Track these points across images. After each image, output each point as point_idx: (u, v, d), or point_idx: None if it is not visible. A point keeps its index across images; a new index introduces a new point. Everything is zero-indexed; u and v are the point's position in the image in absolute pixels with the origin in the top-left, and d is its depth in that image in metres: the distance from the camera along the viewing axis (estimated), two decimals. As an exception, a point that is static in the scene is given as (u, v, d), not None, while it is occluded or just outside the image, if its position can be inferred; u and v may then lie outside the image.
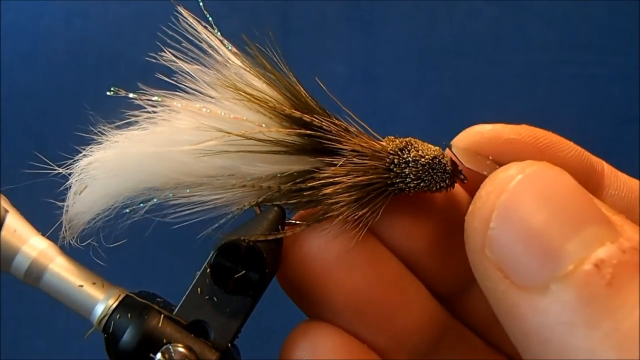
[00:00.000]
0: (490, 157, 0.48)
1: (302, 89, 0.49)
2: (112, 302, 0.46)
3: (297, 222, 0.49)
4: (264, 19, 1.29)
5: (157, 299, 0.48)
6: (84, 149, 0.49)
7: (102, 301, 0.47)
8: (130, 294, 0.47)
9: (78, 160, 0.49)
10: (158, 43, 0.47)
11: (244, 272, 0.45)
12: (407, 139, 0.50)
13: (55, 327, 1.22)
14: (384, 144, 0.50)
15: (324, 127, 0.48)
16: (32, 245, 0.47)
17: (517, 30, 1.36)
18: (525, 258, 0.37)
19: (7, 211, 0.47)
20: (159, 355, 0.44)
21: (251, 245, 0.45)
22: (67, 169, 0.49)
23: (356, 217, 0.47)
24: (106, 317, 0.46)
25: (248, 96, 0.47)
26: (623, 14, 1.34)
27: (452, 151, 0.49)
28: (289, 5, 1.37)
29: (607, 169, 0.51)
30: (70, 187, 0.49)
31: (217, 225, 0.47)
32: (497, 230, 0.38)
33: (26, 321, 1.26)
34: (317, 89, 0.50)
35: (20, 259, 0.47)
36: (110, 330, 0.46)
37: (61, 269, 0.47)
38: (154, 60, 0.47)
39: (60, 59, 1.35)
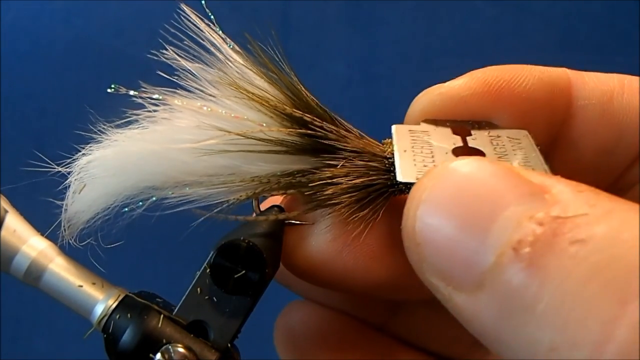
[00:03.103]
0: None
1: (303, 88, 0.48)
2: (112, 302, 0.46)
3: (297, 222, 0.49)
4: (264, 19, 1.29)
5: (157, 299, 0.48)
6: (84, 148, 0.49)
7: (101, 301, 0.47)
8: (130, 294, 0.47)
9: (77, 159, 0.49)
10: (160, 40, 0.47)
11: (243, 272, 0.45)
12: None
13: (55, 327, 1.22)
14: (384, 145, 0.50)
15: (324, 127, 0.48)
16: (32, 245, 0.47)
17: (517, 30, 1.36)
18: (454, 260, 0.36)
19: (6, 211, 0.47)
20: (158, 355, 0.44)
21: (251, 245, 0.45)
22: (66, 168, 0.49)
23: (357, 218, 0.47)
24: (106, 317, 0.46)
25: (249, 94, 0.47)
26: (623, 13, 1.34)
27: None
28: (289, 5, 1.37)
29: (573, 78, 0.49)
30: (69, 186, 0.49)
31: (213, 212, 0.47)
32: (423, 245, 0.38)
33: (26, 321, 1.26)
34: (318, 89, 0.50)
35: (20, 259, 0.47)
36: (110, 331, 0.46)
37: (61, 269, 0.47)
38: (155, 58, 0.47)
39: (60, 59, 1.35)
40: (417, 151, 0.46)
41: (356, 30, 1.36)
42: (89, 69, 1.34)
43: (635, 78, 0.49)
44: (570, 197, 0.34)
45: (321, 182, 0.47)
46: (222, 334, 0.46)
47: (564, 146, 0.50)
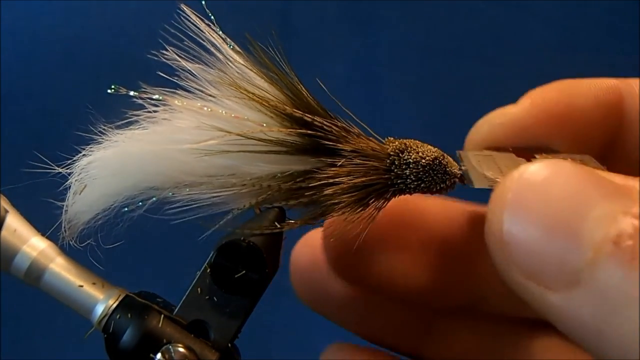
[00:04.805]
0: (511, 148, 0.49)
1: (303, 88, 0.48)
2: (112, 302, 0.46)
3: (298, 222, 0.49)
4: (264, 19, 1.29)
5: (157, 299, 0.48)
6: (84, 149, 0.49)
7: (102, 301, 0.47)
8: (130, 294, 0.47)
9: (78, 159, 0.49)
10: (160, 40, 0.47)
11: (244, 272, 0.45)
12: (407, 141, 0.50)
13: (55, 327, 1.22)
14: (384, 145, 0.50)
15: (324, 127, 0.48)
16: (32, 245, 0.47)
17: (517, 30, 1.36)
18: (545, 259, 0.36)
19: (7, 211, 0.47)
20: (159, 355, 0.44)
21: (251, 245, 0.45)
22: (66, 169, 0.49)
23: (357, 218, 0.47)
24: (106, 317, 0.46)
25: (249, 94, 0.47)
26: (623, 14, 1.34)
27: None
28: (289, 5, 1.37)
29: (624, 90, 0.50)
30: (69, 186, 0.49)
31: (217, 225, 0.47)
32: (511, 246, 0.38)
33: (26, 321, 1.26)
34: (318, 89, 0.50)
35: (21, 259, 0.47)
36: (111, 330, 0.46)
37: (61, 269, 0.47)
38: (155, 58, 0.47)
39: (60, 59, 1.35)
40: (484, 167, 0.47)
41: (356, 30, 1.36)
42: (89, 69, 1.33)
43: None
44: None
45: (321, 182, 0.47)
46: (222, 333, 0.46)
47: (615, 160, 0.51)
